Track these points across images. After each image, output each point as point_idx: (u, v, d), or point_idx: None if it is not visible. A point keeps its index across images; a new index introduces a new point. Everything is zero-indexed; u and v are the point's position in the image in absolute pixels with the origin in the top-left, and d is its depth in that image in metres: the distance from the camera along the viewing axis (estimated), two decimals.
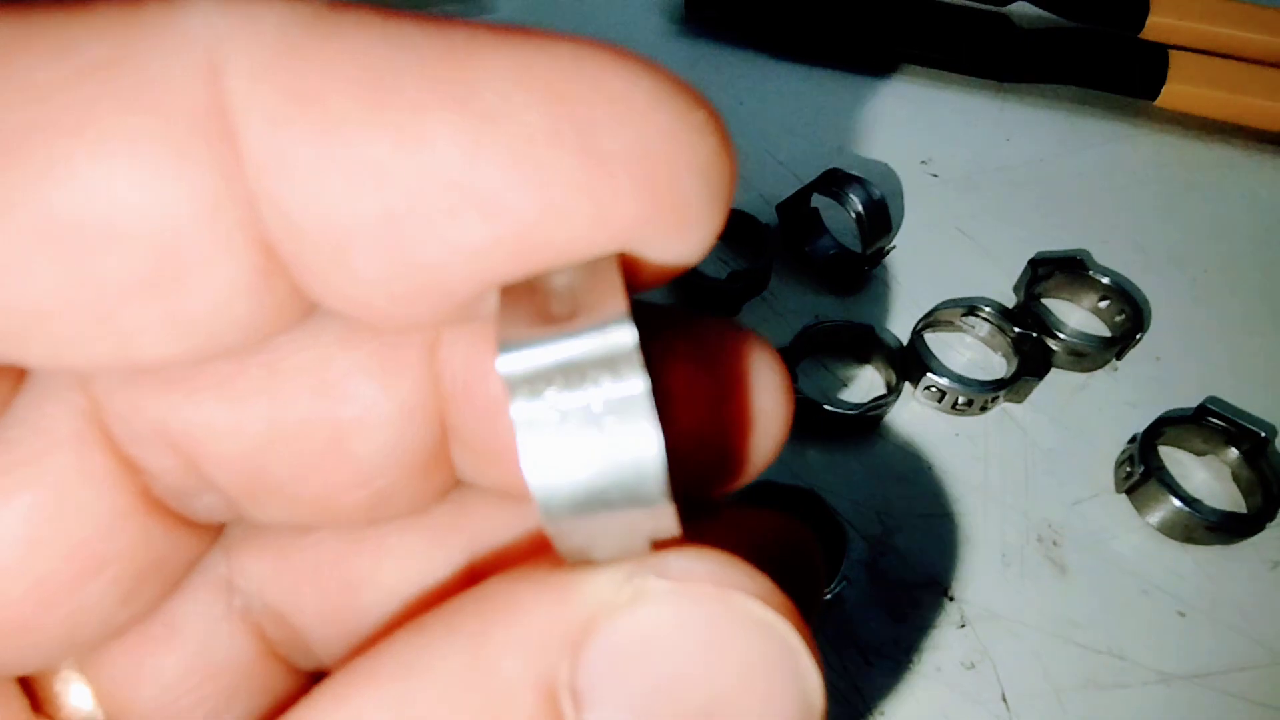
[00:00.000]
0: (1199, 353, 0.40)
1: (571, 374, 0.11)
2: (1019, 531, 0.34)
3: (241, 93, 0.11)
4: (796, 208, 0.41)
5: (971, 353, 0.39)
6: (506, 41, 0.11)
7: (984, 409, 0.37)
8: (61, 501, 0.14)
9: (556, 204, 0.11)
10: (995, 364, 0.39)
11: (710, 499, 0.17)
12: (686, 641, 0.12)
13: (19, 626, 0.14)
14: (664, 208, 0.12)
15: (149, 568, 0.16)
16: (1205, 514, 0.33)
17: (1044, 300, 0.41)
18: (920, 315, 0.39)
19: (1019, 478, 0.36)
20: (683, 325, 0.16)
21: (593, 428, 0.11)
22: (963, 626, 0.32)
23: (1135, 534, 0.34)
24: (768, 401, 0.16)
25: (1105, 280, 0.40)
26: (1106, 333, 0.40)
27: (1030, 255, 0.41)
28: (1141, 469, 0.34)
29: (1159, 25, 0.50)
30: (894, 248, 0.42)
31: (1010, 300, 0.41)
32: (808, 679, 0.13)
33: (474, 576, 0.17)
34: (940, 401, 0.37)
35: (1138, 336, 0.39)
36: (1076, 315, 0.41)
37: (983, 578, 0.33)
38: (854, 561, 0.33)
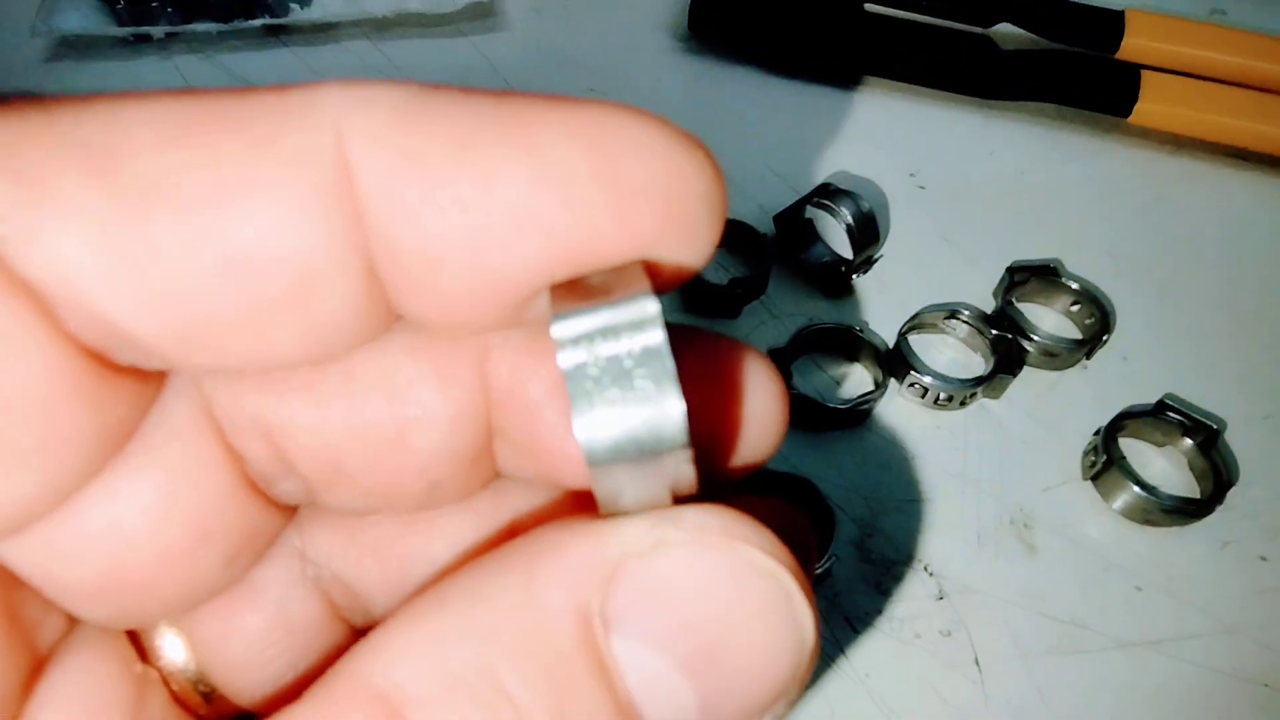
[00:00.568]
0: (1162, 353, 0.43)
1: (607, 333, 0.14)
2: (993, 515, 0.38)
3: (360, 155, 0.14)
4: (792, 218, 0.44)
5: (952, 353, 0.43)
6: (557, 107, 0.15)
7: (963, 404, 0.40)
8: (183, 481, 0.17)
9: (596, 223, 0.15)
10: (974, 363, 0.42)
11: (717, 489, 0.20)
12: (699, 583, 0.15)
13: (143, 585, 0.17)
14: (674, 225, 0.15)
15: (245, 540, 0.19)
16: (1162, 499, 0.36)
17: (1019, 304, 0.44)
18: (905, 318, 0.42)
19: (994, 466, 0.39)
20: (689, 340, 0.18)
21: (624, 379, 0.14)
22: (941, 599, 0.35)
23: (1099, 517, 0.38)
24: (768, 406, 0.19)
25: (1076, 286, 0.43)
26: (1077, 334, 0.43)
27: (1008, 263, 0.44)
28: (1105, 458, 0.37)
29: (1133, 46, 0.52)
30: (882, 256, 0.45)
31: (989, 304, 0.44)
32: (802, 617, 0.15)
33: None
34: (923, 397, 0.40)
35: (1105, 338, 0.42)
36: (1049, 318, 0.44)
37: (960, 556, 0.36)
38: (843, 541, 0.36)
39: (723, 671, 0.15)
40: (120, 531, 0.16)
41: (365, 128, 0.14)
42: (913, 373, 0.39)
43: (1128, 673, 0.34)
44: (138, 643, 0.19)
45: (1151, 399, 0.39)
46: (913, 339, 0.41)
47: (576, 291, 0.15)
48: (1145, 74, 0.51)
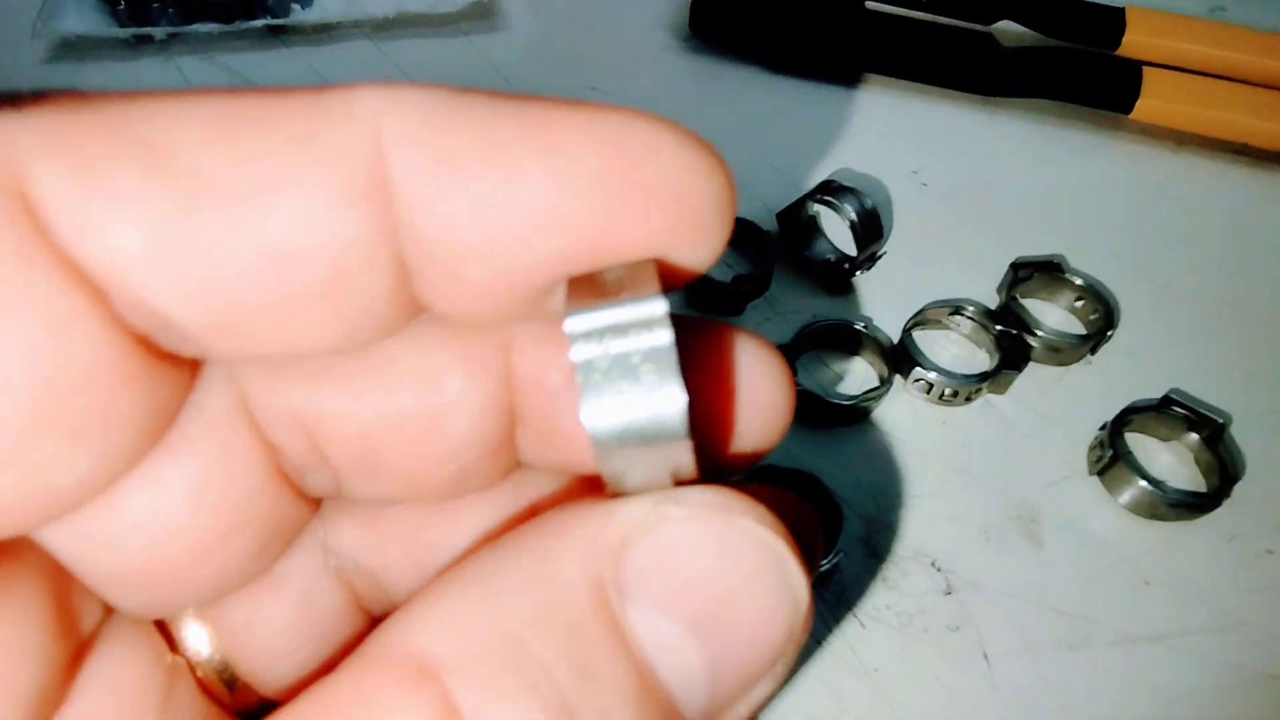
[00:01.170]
0: (1165, 348, 0.43)
1: (617, 330, 0.15)
2: (999, 510, 0.38)
3: (395, 153, 0.15)
4: (795, 216, 0.44)
5: (956, 349, 0.43)
6: (577, 111, 0.15)
7: (968, 400, 0.40)
8: (219, 471, 0.17)
9: (612, 222, 0.15)
10: (979, 359, 0.42)
11: (724, 478, 0.20)
12: (700, 552, 0.16)
13: (178, 574, 0.18)
14: (687, 225, 0.16)
15: (275, 530, 0.19)
16: (1168, 493, 0.36)
17: (1023, 301, 0.44)
18: (909, 314, 0.42)
19: (1000, 462, 0.39)
20: (698, 331, 0.19)
21: (631, 374, 0.15)
22: (948, 594, 0.35)
23: (1105, 512, 0.38)
24: (773, 394, 0.20)
25: (1080, 282, 0.43)
26: (1081, 330, 0.43)
27: (1011, 259, 0.44)
28: (1111, 453, 0.37)
29: (1134, 43, 0.53)
30: (885, 253, 0.45)
31: (993, 301, 0.44)
32: (796, 582, 0.16)
33: None
34: (928, 393, 0.40)
35: (1109, 333, 0.42)
36: (1053, 314, 0.44)
37: (966, 551, 0.36)
38: (850, 537, 0.36)
39: (726, 633, 0.16)
40: (159, 520, 0.17)
41: (400, 128, 0.15)
42: (917, 368, 0.39)
43: (1136, 667, 0.34)
44: (166, 633, 0.20)
45: (1156, 394, 0.39)
46: (917, 335, 0.41)
47: (591, 286, 0.16)
48: (1146, 70, 0.51)
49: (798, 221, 0.44)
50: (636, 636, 0.16)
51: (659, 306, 0.15)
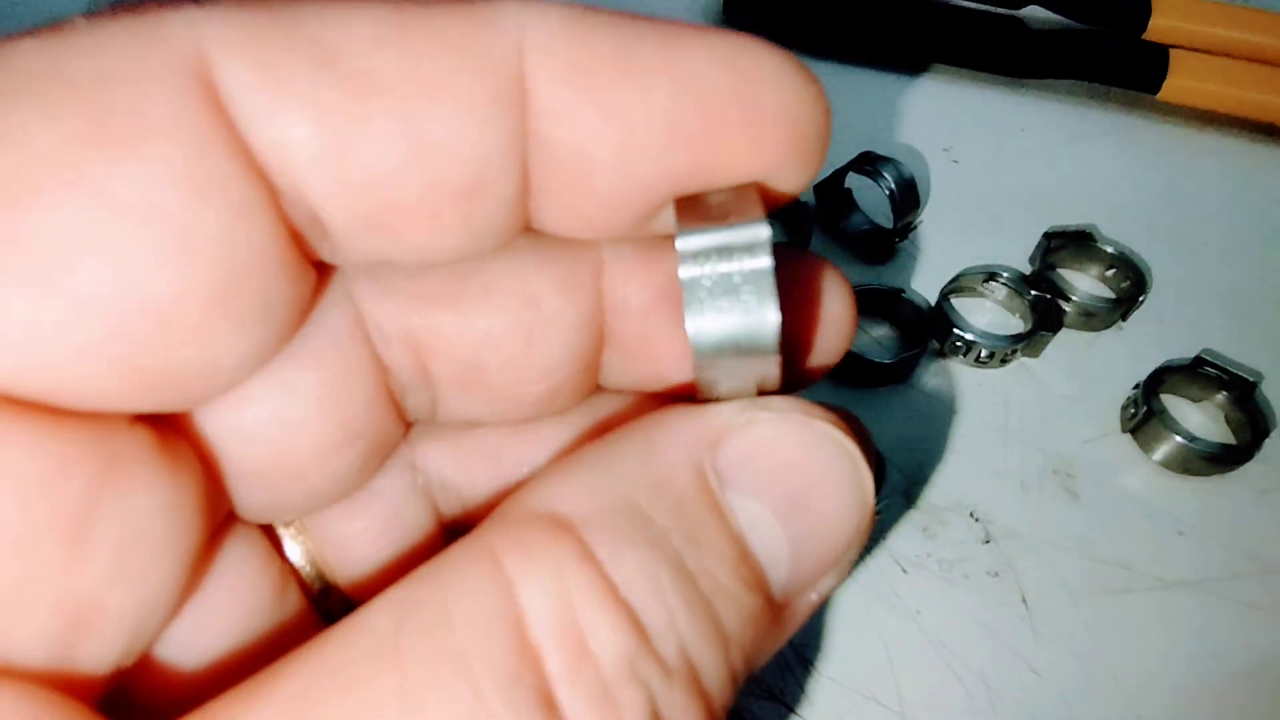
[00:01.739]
0: (1195, 315, 0.44)
1: (723, 252, 0.16)
2: (1036, 465, 0.39)
3: (534, 64, 0.16)
4: (832, 188, 0.46)
5: (991, 315, 0.44)
6: (702, 33, 0.16)
7: (1004, 361, 0.41)
8: (339, 383, 0.19)
9: (730, 139, 0.16)
10: (1013, 325, 0.43)
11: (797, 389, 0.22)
12: (785, 448, 0.18)
13: (297, 476, 0.19)
14: (793, 147, 0.17)
15: (378, 446, 0.21)
16: (1201, 446, 0.37)
17: (1057, 269, 0.45)
18: (944, 282, 0.43)
19: (1035, 420, 0.40)
20: (783, 254, 0.21)
21: (732, 292, 0.16)
22: (987, 542, 0.36)
23: (1139, 467, 0.39)
24: (839, 305, 0.22)
25: (1111, 250, 0.44)
26: (1113, 296, 0.44)
27: (1043, 231, 0.45)
28: (1144, 409, 0.38)
29: (1160, 26, 0.54)
30: (921, 223, 0.46)
31: (1026, 270, 0.45)
32: (865, 479, 0.18)
33: None
34: (965, 355, 0.41)
35: (1140, 299, 0.43)
36: (1085, 283, 0.46)
37: (1005, 503, 0.37)
38: (891, 489, 0.38)
39: (807, 518, 0.18)
40: (285, 423, 0.18)
41: (540, 39, 0.16)
42: (954, 331, 0.41)
43: (1173, 610, 0.35)
44: (275, 542, 0.21)
45: (1186, 358, 0.40)
46: (954, 301, 0.42)
47: (698, 207, 0.17)
48: (1173, 52, 0.52)
49: (835, 194, 0.46)
50: (733, 515, 0.17)
51: (763, 231, 0.16)
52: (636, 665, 0.15)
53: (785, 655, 0.33)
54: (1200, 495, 0.38)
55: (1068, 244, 0.45)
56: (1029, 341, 0.41)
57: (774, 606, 0.18)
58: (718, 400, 0.18)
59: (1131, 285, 0.44)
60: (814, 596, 0.19)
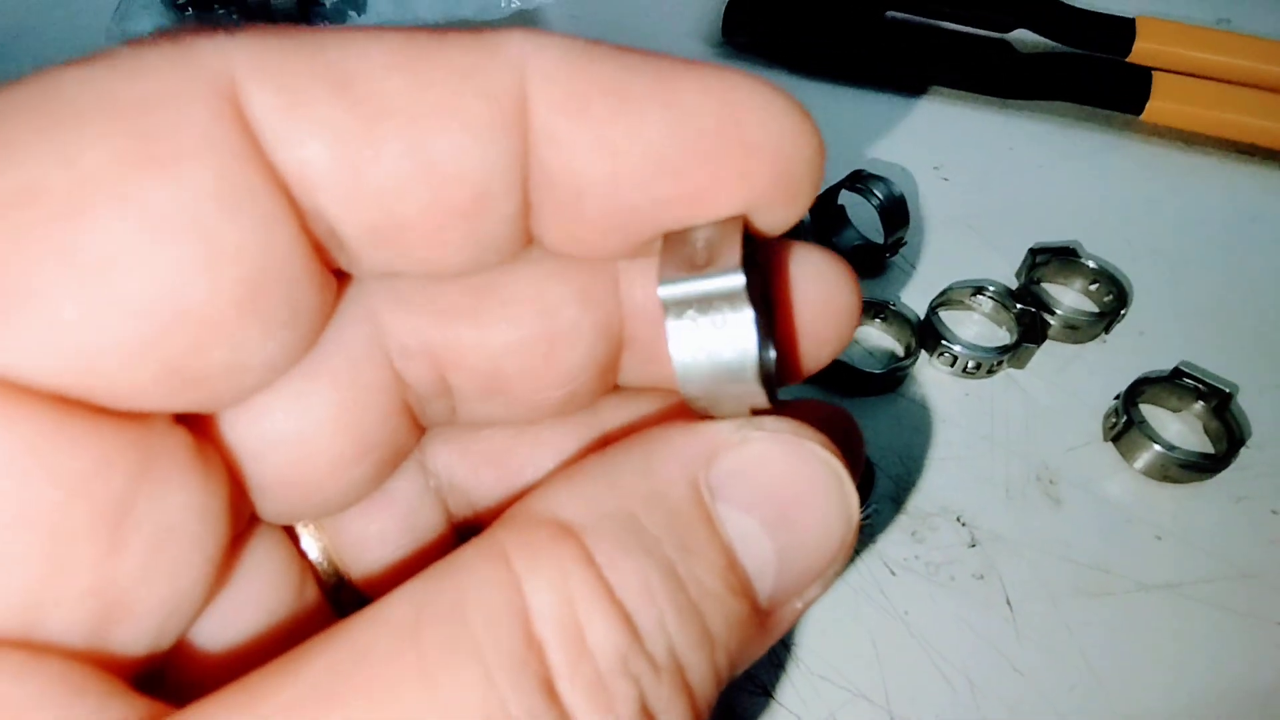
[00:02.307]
0: (1176, 328, 0.45)
1: (704, 301, 0.17)
2: (1020, 472, 0.40)
3: (535, 91, 0.17)
4: (825, 205, 0.47)
5: (978, 327, 0.45)
6: (695, 68, 0.18)
7: (990, 372, 0.43)
8: (355, 400, 0.20)
9: (719, 171, 0.17)
10: (999, 337, 0.45)
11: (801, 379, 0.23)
12: (775, 466, 0.19)
13: (314, 485, 0.20)
14: (781, 183, 0.18)
15: (393, 454, 0.22)
16: (1179, 454, 0.39)
17: (1042, 284, 0.47)
18: (934, 295, 0.44)
19: (1020, 429, 0.41)
20: (778, 248, 0.21)
21: (714, 336, 0.17)
22: (973, 546, 0.38)
23: (1120, 474, 0.40)
24: (843, 298, 0.22)
25: (1094, 265, 0.46)
26: (1095, 310, 0.46)
27: (1029, 246, 0.47)
28: (1125, 419, 0.40)
29: (1144, 50, 0.55)
30: (910, 239, 0.48)
31: (1013, 284, 0.46)
32: (850, 497, 0.19)
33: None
34: (953, 366, 0.43)
35: (1122, 313, 0.45)
36: (1069, 297, 0.47)
37: (990, 509, 0.39)
38: (880, 495, 0.39)
39: (793, 532, 0.19)
40: (304, 436, 0.19)
41: (541, 70, 0.17)
42: (943, 342, 0.42)
43: (1151, 612, 0.36)
44: (294, 538, 0.22)
45: (1166, 369, 0.42)
46: (942, 313, 0.44)
47: (684, 243, 0.18)
48: (1156, 75, 0.54)
49: (828, 210, 0.47)
50: (723, 527, 0.18)
51: (738, 279, 0.17)
52: (628, 661, 0.16)
53: (776, 652, 0.34)
54: (1178, 502, 0.39)
55: (1053, 259, 0.46)
56: (1014, 353, 0.43)
57: (759, 613, 0.19)
58: (714, 419, 0.19)
59: (1114, 299, 0.45)
60: (799, 604, 0.20)
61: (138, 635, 0.17)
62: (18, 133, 0.15)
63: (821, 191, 0.47)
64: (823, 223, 0.48)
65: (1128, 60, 0.56)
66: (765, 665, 0.34)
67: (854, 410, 0.41)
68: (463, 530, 0.24)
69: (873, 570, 0.37)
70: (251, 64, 0.16)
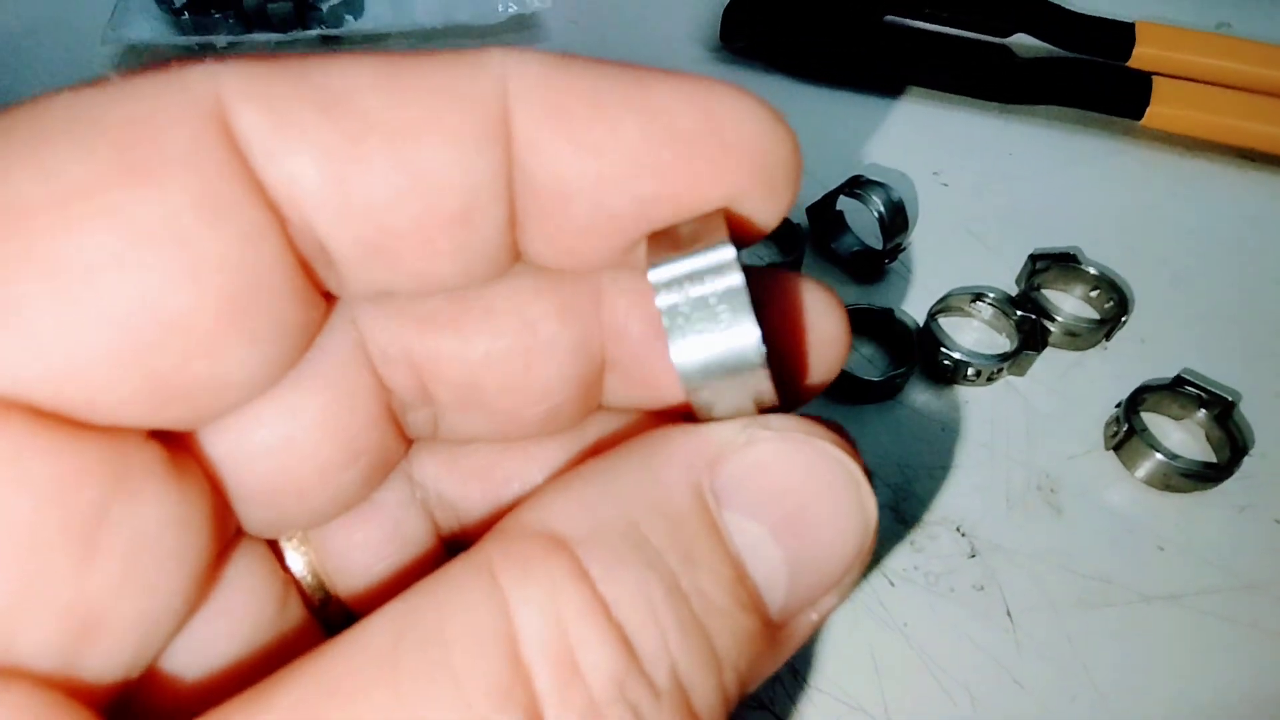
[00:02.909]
0: (1177, 335, 0.45)
1: (694, 277, 0.17)
2: (1021, 481, 0.40)
3: (516, 104, 0.17)
4: (824, 210, 0.47)
5: (978, 334, 0.45)
6: (670, 77, 0.18)
7: (990, 380, 0.42)
8: (341, 405, 0.20)
9: (696, 167, 0.17)
10: (999, 344, 0.44)
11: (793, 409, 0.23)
12: (785, 467, 0.18)
13: (300, 495, 0.20)
14: (760, 181, 0.18)
15: (379, 463, 0.21)
16: (1181, 463, 0.38)
17: (1042, 290, 0.46)
18: (933, 301, 0.44)
19: (1020, 437, 0.41)
20: (764, 278, 0.21)
21: (710, 314, 0.17)
22: (973, 556, 0.37)
23: (1121, 483, 0.40)
24: (832, 324, 0.22)
25: (1095, 272, 0.46)
26: (1096, 317, 0.46)
27: (1029, 252, 0.46)
28: (1126, 427, 0.39)
29: (1144, 55, 0.55)
30: (907, 245, 0.48)
31: (1012, 291, 0.46)
32: (867, 500, 0.18)
33: None
34: (953, 374, 0.42)
35: (1123, 320, 0.44)
36: (1070, 303, 0.47)
37: (990, 518, 0.38)
38: (879, 505, 0.38)
39: (806, 541, 0.18)
40: (290, 445, 0.19)
41: (522, 83, 0.17)
42: (942, 349, 0.42)
43: (1154, 623, 0.36)
44: (278, 554, 0.22)
45: (1167, 377, 0.41)
46: (941, 320, 0.44)
47: (669, 239, 0.18)
48: (1156, 80, 0.53)
49: (826, 216, 0.47)
50: (730, 536, 0.17)
51: (728, 252, 0.17)
52: (625, 686, 0.15)
53: None
54: (1180, 511, 0.39)
55: (1053, 265, 0.46)
56: (1015, 360, 0.42)
57: (771, 627, 0.18)
58: (718, 420, 0.19)
59: (1115, 306, 0.45)
60: (814, 616, 0.19)
61: (111, 657, 0.16)
62: (2, 150, 0.15)
63: (820, 197, 0.47)
64: (821, 229, 0.47)
65: (1127, 65, 0.55)
66: None
67: (852, 418, 0.41)
68: (452, 545, 0.24)
69: (872, 581, 0.36)
70: (239, 86, 0.16)
